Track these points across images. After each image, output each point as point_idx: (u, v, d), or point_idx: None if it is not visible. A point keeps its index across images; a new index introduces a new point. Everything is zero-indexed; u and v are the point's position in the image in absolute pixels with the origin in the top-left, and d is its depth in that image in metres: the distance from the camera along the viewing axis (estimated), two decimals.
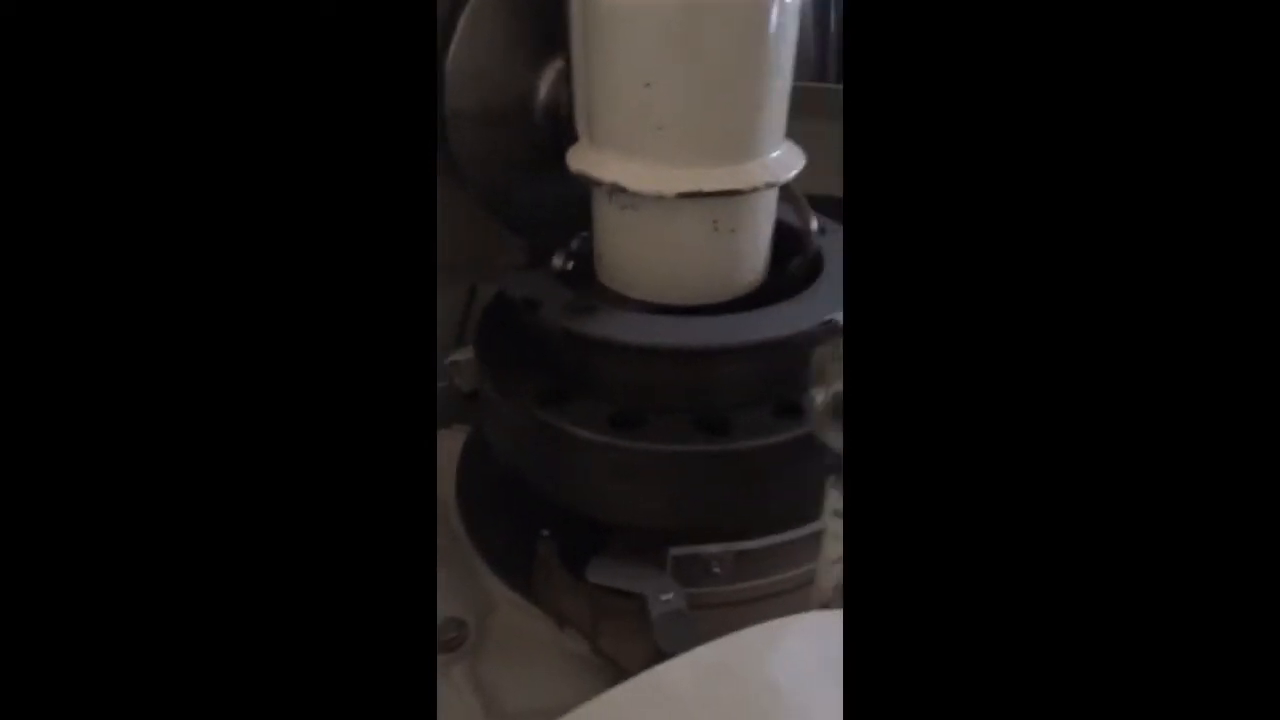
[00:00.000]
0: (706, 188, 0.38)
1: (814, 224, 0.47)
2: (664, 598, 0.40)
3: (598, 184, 0.40)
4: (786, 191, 0.45)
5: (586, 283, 0.47)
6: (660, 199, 0.39)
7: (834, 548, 0.33)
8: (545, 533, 0.44)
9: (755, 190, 0.39)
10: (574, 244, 0.48)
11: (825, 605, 0.33)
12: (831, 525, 0.34)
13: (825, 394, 0.30)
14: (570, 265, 0.48)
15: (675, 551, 0.41)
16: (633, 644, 0.39)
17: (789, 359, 0.41)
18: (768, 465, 0.40)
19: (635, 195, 0.39)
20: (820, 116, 0.70)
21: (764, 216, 0.42)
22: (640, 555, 0.43)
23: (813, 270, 0.47)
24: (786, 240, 0.48)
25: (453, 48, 0.46)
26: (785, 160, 0.41)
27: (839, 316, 0.40)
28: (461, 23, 0.46)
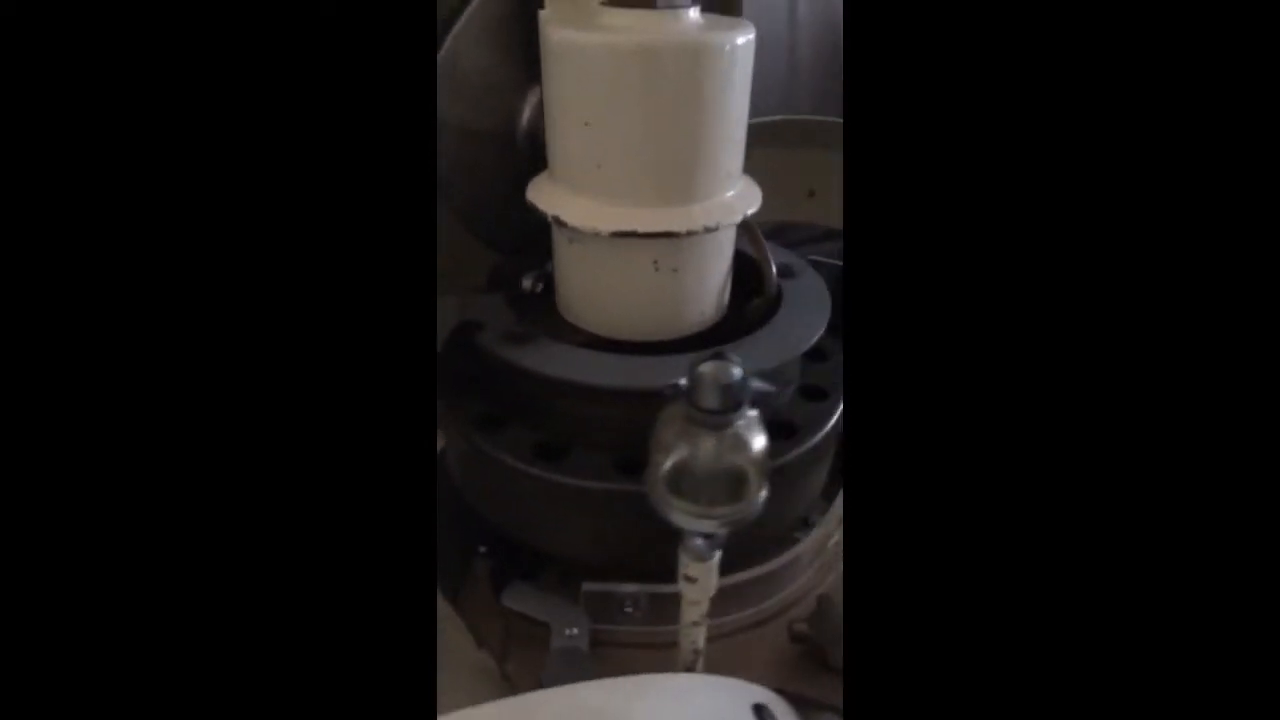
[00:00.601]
0: (641, 229, 0.38)
1: (773, 266, 0.46)
2: (569, 631, 0.40)
3: (543, 215, 0.41)
4: (748, 231, 0.45)
5: (551, 310, 0.47)
6: (594, 236, 0.39)
7: (692, 611, 0.32)
8: (482, 549, 0.45)
9: (693, 234, 0.38)
10: (549, 267, 0.49)
11: (688, 668, 0.32)
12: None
13: (666, 462, 0.29)
14: (539, 288, 0.48)
15: (587, 586, 0.41)
16: (534, 672, 0.40)
17: None
18: None
19: (576, 230, 0.40)
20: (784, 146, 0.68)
21: (711, 257, 0.41)
22: (564, 587, 0.43)
23: (773, 311, 0.46)
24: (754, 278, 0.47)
25: (440, 59, 0.48)
26: (732, 203, 0.40)
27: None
28: (451, 37, 0.48)
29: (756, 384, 0.24)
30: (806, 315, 0.44)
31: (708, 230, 0.38)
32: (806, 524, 0.46)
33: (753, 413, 0.25)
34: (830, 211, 0.73)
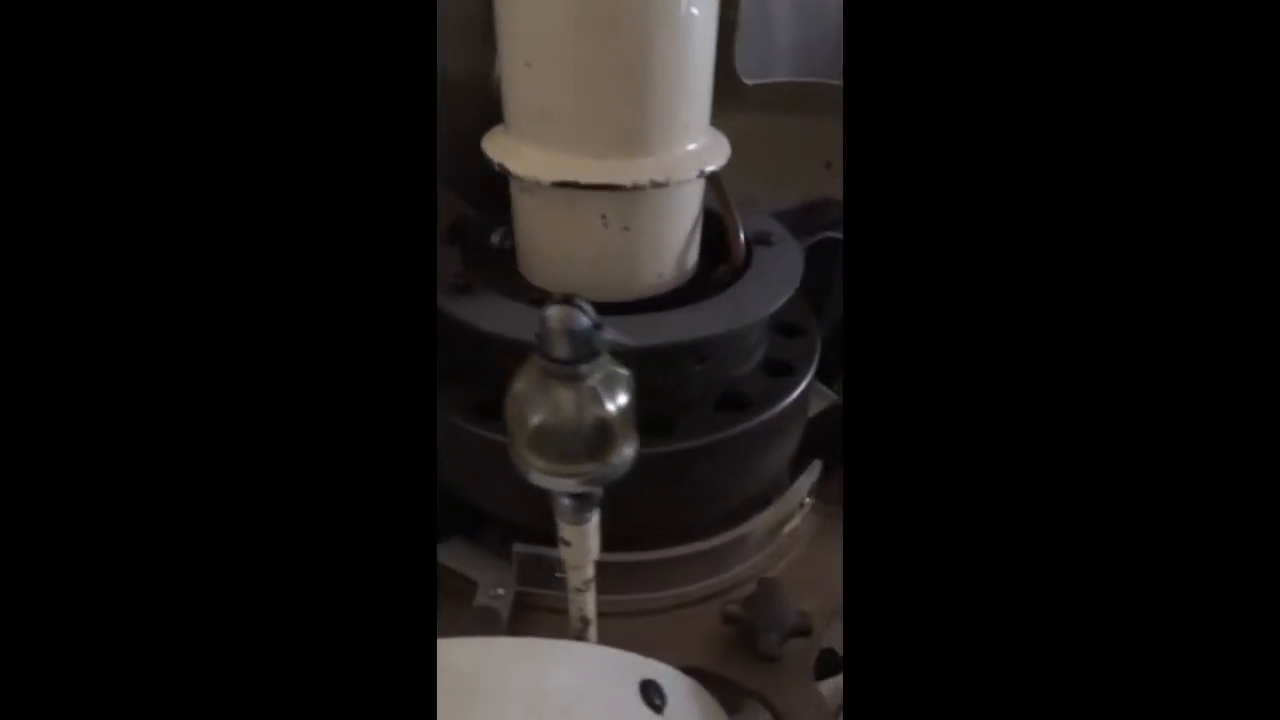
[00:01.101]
0: (583, 180, 0.36)
1: (741, 231, 0.43)
2: (494, 592, 0.39)
3: (492, 164, 0.39)
4: (717, 191, 0.42)
5: (514, 267, 0.46)
6: (538, 186, 0.37)
7: (575, 577, 0.30)
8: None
9: (639, 188, 0.36)
10: None
11: (577, 636, 0.31)
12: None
13: (524, 418, 0.26)
14: (508, 244, 0.47)
15: (518, 548, 0.40)
16: (454, 630, 0.39)
17: (656, 370, 0.38)
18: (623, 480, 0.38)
19: (522, 180, 0.38)
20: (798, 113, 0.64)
21: (667, 216, 0.39)
22: (503, 547, 0.43)
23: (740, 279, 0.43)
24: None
25: None
26: (689, 158, 0.38)
27: None
28: None
29: (610, 333, 0.22)
30: (770, 286, 0.41)
31: (656, 185, 0.36)
32: (765, 503, 0.44)
33: (617, 365, 0.23)
34: None
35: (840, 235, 1.08)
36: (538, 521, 0.43)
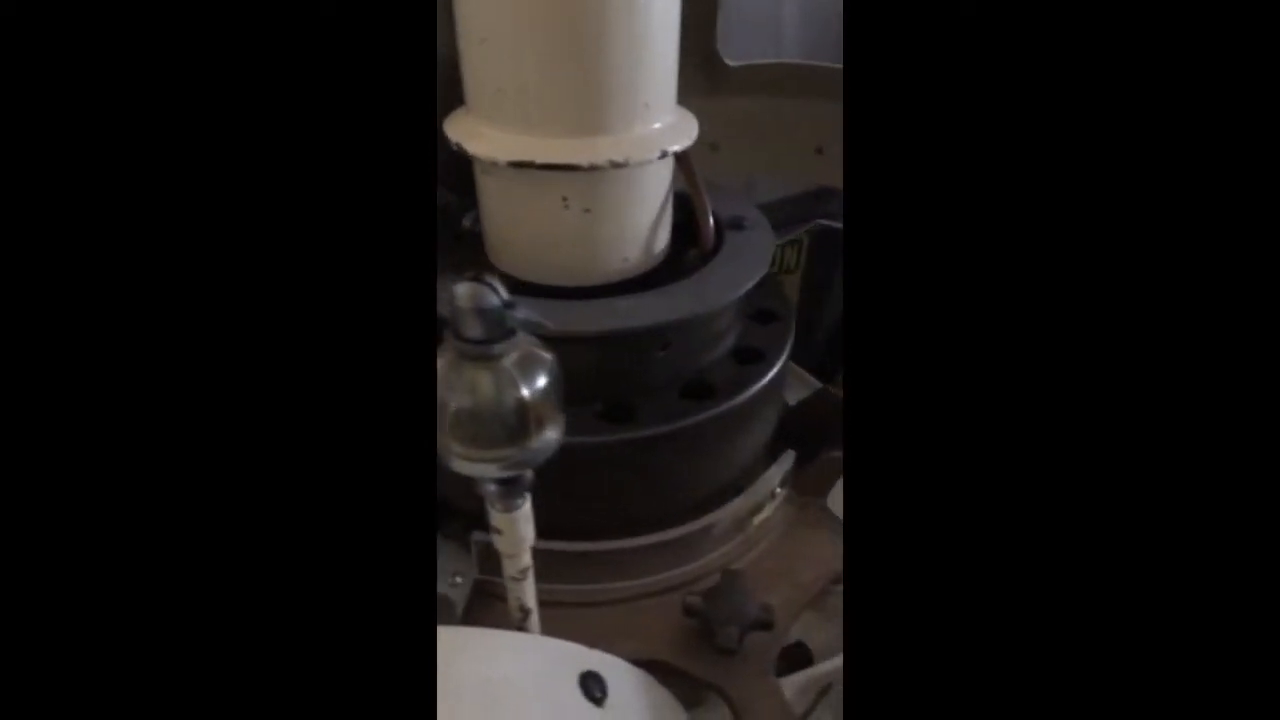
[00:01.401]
0: (539, 160, 0.35)
1: (710, 215, 0.42)
2: (453, 580, 0.39)
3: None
4: (686, 173, 0.41)
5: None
6: (496, 167, 0.36)
7: (510, 565, 0.30)
8: None
9: (597, 168, 0.35)
10: None
11: (518, 626, 0.30)
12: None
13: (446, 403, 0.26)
14: (479, 228, 0.47)
15: (477, 536, 0.39)
16: None
17: (617, 355, 0.38)
18: (583, 467, 0.37)
19: (480, 160, 0.37)
20: (786, 96, 0.63)
21: (630, 198, 0.38)
22: (466, 536, 0.42)
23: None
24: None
25: None
26: (650, 137, 0.37)
27: None
28: None
29: (523, 312, 0.21)
30: (738, 271, 0.40)
31: (616, 166, 0.35)
32: (734, 492, 0.43)
33: (538, 347, 0.22)
34: (840, 171, 0.68)
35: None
36: (537, 512, 0.42)
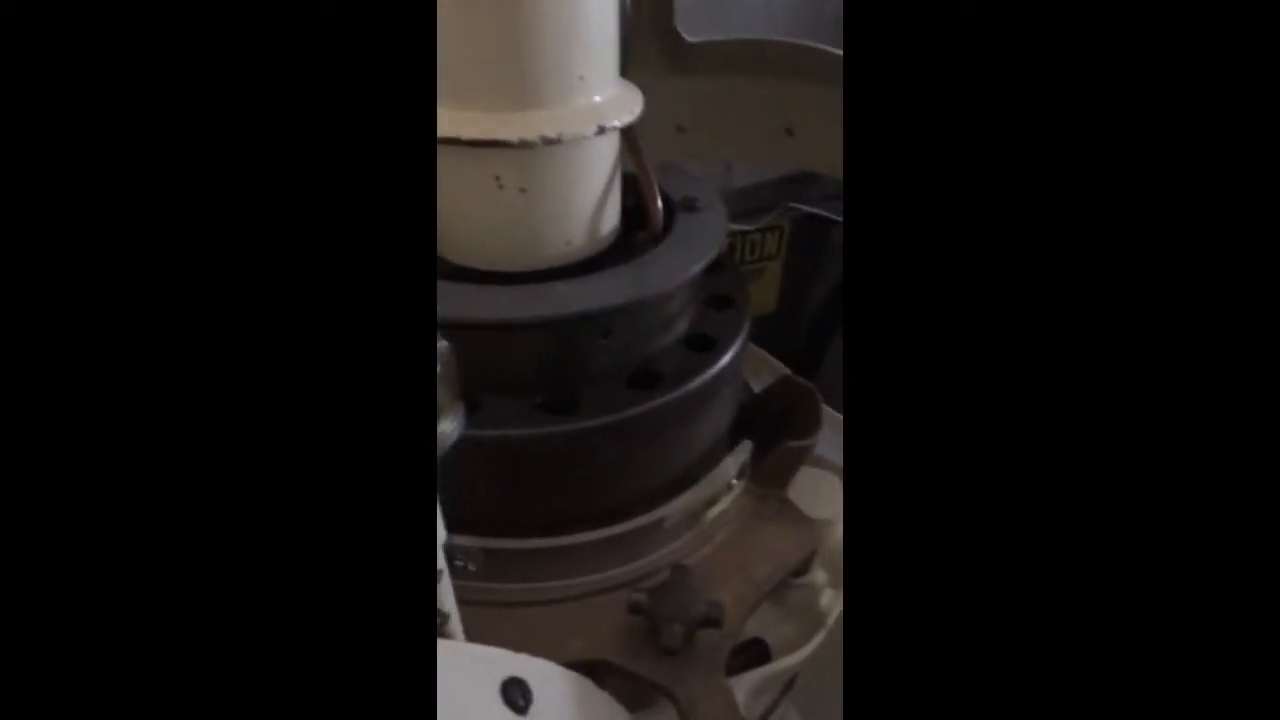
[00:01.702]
0: (465, 135, 0.33)
1: (659, 195, 0.40)
2: None
3: None
4: (633, 152, 0.39)
5: None
6: None
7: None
8: None
9: (528, 145, 0.33)
10: None
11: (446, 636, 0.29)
12: None
13: None
14: None
15: None
16: None
17: (555, 343, 0.36)
18: (523, 461, 0.36)
19: None
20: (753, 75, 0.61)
21: (570, 177, 0.36)
22: None
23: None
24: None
25: None
26: (587, 112, 0.35)
27: None
28: None
29: None
30: (686, 254, 0.39)
31: (548, 142, 0.34)
32: (687, 485, 0.41)
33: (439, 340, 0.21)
34: (811, 153, 0.66)
35: (827, 214, 1.04)
36: (444, 508, 0.41)
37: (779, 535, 0.42)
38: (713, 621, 0.35)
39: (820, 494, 0.48)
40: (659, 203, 0.40)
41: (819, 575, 0.44)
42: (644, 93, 0.69)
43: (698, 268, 0.38)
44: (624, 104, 0.37)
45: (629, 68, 0.61)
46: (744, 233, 1.10)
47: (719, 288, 0.44)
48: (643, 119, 0.73)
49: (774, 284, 1.27)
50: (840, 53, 0.54)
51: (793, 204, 0.89)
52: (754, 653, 0.41)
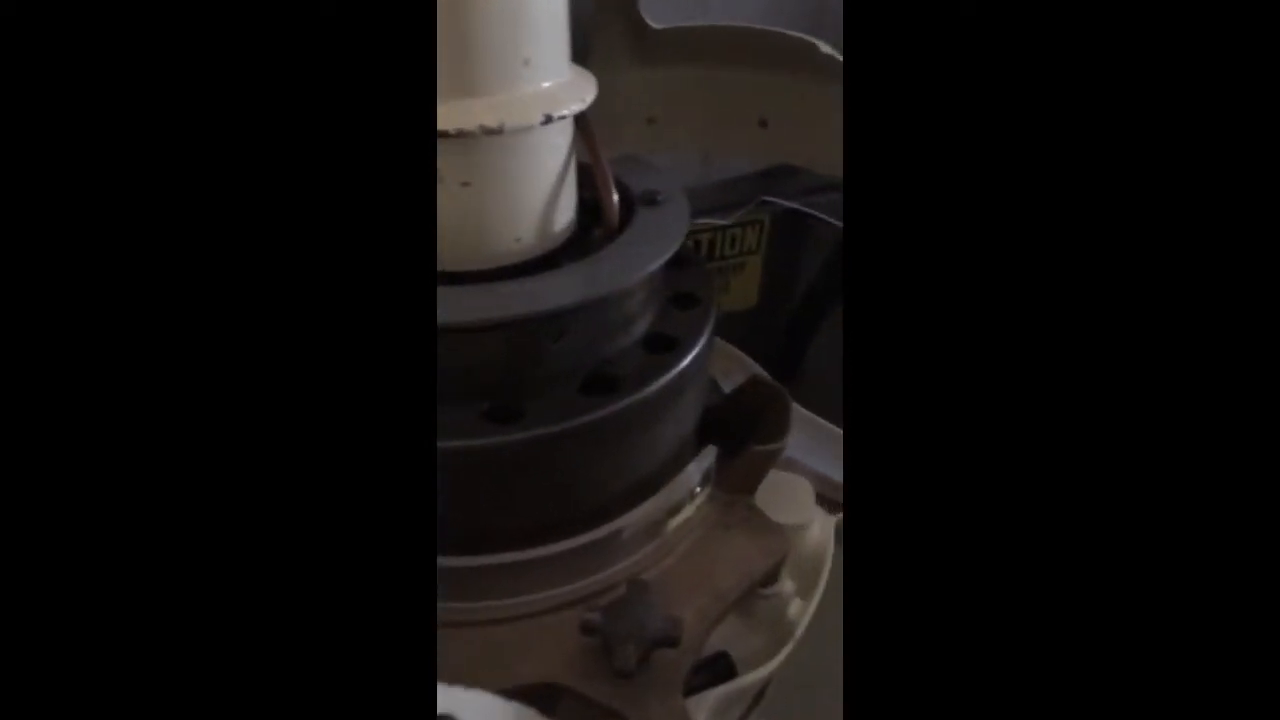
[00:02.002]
0: None
1: (614, 189, 0.38)
2: None
3: None
4: (586, 142, 0.37)
5: None
6: None
7: None
8: None
9: (467, 134, 0.31)
10: None
11: None
12: None
13: None
14: None
15: None
16: None
17: (501, 347, 0.34)
18: (469, 473, 0.34)
19: None
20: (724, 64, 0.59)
21: (517, 170, 0.34)
22: None
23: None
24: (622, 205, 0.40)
25: None
26: (532, 100, 0.33)
27: None
28: None
29: None
30: (643, 251, 0.37)
31: (489, 132, 0.31)
32: (648, 492, 0.39)
33: None
34: (786, 145, 0.64)
35: (802, 208, 1.02)
36: None
37: (745, 544, 0.40)
38: (670, 641, 0.33)
39: (791, 498, 0.46)
40: (615, 196, 0.38)
41: (787, 584, 0.42)
42: (613, 83, 0.67)
43: (656, 264, 0.36)
44: (576, 91, 0.35)
45: (595, 57, 0.58)
46: (723, 227, 1.08)
47: (683, 285, 0.42)
48: (610, 110, 0.71)
49: (755, 279, 1.25)
50: (812, 40, 0.53)
51: (768, 199, 0.87)
52: (719, 667, 0.40)
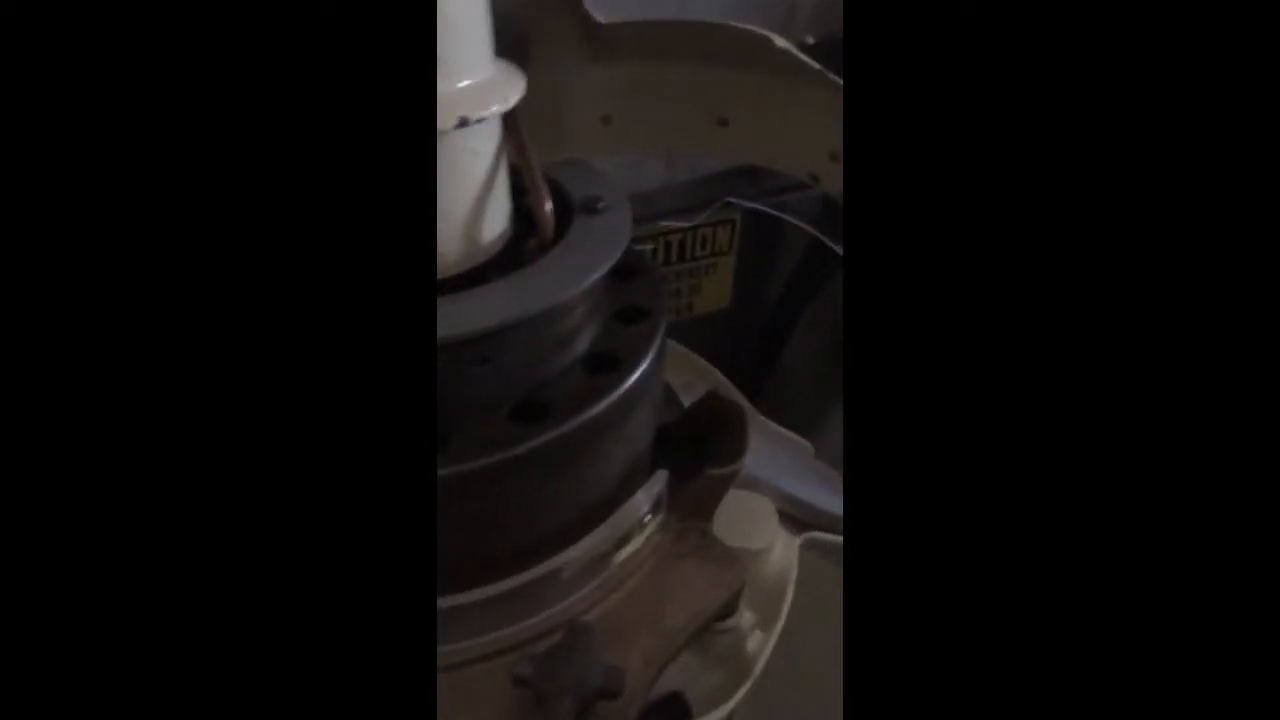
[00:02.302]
0: None
1: (547, 198, 0.35)
2: None
3: None
4: (515, 146, 0.34)
5: None
6: None
7: None
8: None
9: None
10: None
11: None
12: None
13: None
14: None
15: None
16: None
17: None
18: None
19: None
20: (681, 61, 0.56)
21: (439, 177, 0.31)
22: None
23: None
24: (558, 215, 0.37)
25: None
26: (447, 103, 0.29)
27: None
28: None
29: None
30: (581, 262, 0.34)
31: None
32: (591, 524, 0.36)
33: None
34: (748, 144, 0.61)
35: (766, 209, 1.00)
36: None
37: (698, 576, 0.38)
38: (609, 693, 0.30)
39: (751, 520, 0.43)
40: (547, 204, 0.35)
41: (746, 616, 0.39)
42: (563, 82, 0.63)
43: (594, 277, 0.33)
44: (498, 90, 0.32)
45: (542, 54, 0.55)
46: (693, 228, 1.06)
47: (631, 297, 0.40)
48: (562, 110, 0.67)
49: (727, 280, 1.23)
50: (766, 34, 0.50)
51: (733, 199, 0.85)
52: (674, 710, 0.37)
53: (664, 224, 0.85)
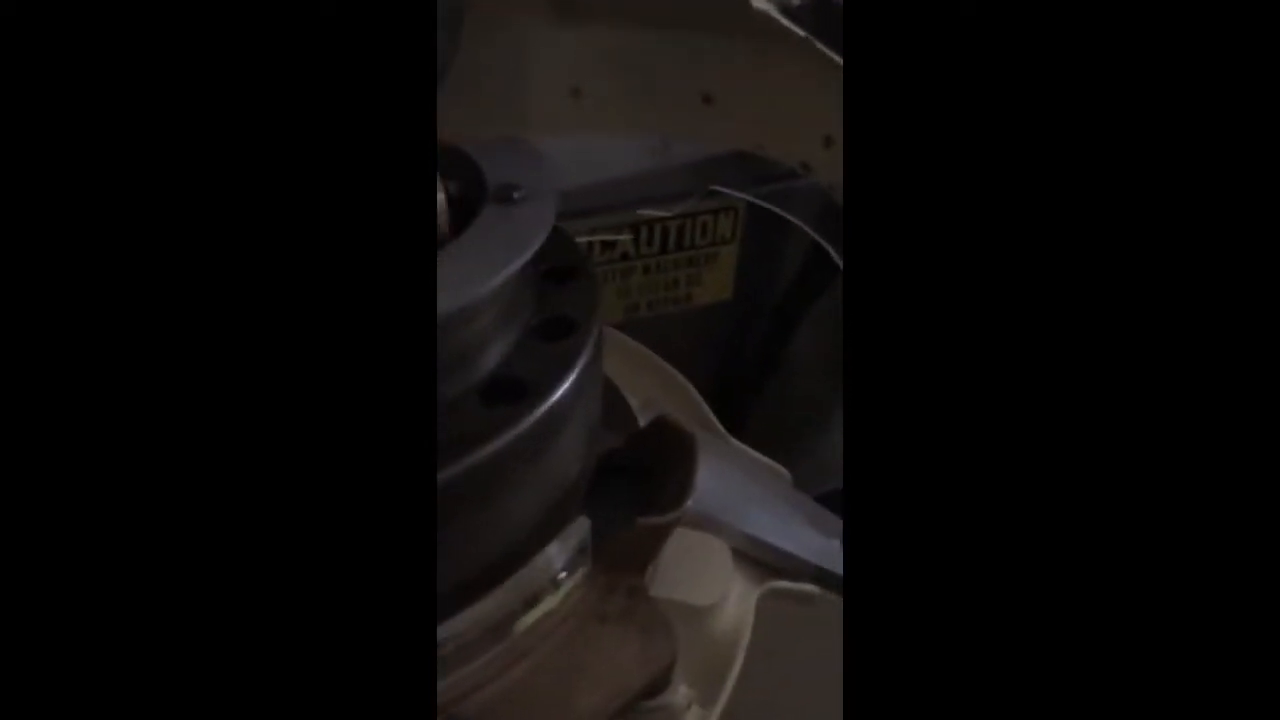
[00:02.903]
0: None
1: (446, 189, 0.29)
2: None
3: None
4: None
5: None
6: None
7: None
8: None
9: None
10: None
11: None
12: None
13: None
14: None
15: None
16: None
17: None
18: None
19: None
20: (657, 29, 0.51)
21: None
22: None
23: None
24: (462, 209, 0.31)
25: None
26: None
27: None
28: None
29: None
30: (476, 265, 0.27)
31: None
32: (491, 584, 0.30)
33: None
34: (734, 125, 0.55)
35: (752, 198, 0.92)
36: None
37: (621, 646, 0.31)
38: None
39: (701, 568, 0.37)
40: (441, 194, 0.29)
41: (680, 692, 0.33)
42: (528, 48, 0.57)
43: (493, 281, 0.27)
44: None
45: (504, 15, 0.49)
46: (693, 215, 0.99)
47: (559, 306, 0.33)
48: (524, 80, 0.60)
49: (729, 269, 1.17)
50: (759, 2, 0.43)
51: (715, 188, 0.78)
52: None
53: (646, 212, 0.78)
